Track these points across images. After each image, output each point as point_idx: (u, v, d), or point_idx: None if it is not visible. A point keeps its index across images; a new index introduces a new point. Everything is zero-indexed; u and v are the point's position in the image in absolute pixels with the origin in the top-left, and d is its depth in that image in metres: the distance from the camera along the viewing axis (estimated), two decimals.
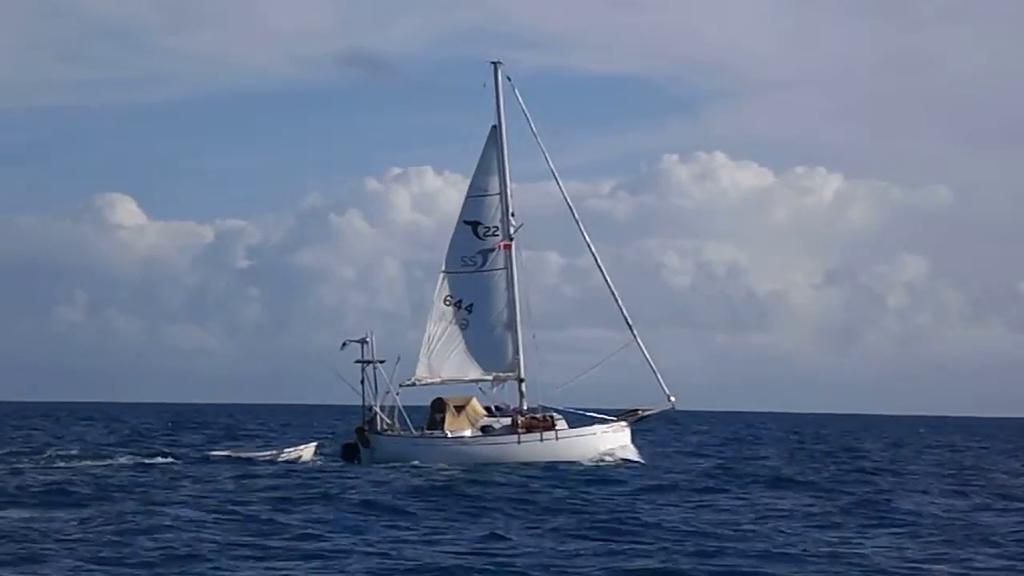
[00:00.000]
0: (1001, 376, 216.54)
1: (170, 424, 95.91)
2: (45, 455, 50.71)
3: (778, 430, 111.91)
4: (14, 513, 29.80)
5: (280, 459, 50.68)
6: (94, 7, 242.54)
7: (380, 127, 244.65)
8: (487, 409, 52.06)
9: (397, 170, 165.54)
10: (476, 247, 53.97)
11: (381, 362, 51.53)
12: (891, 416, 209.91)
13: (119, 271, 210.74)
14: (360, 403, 51.11)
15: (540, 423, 51.12)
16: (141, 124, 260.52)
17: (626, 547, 25.69)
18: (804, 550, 25.71)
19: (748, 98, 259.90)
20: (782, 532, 28.74)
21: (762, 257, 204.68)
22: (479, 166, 54.37)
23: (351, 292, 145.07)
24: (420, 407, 52.25)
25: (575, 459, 49.73)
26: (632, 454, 51.08)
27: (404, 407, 51.11)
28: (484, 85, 54.25)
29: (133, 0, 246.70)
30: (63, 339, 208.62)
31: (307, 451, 52.51)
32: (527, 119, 53.44)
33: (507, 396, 53.02)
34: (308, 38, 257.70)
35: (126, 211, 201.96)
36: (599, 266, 53.29)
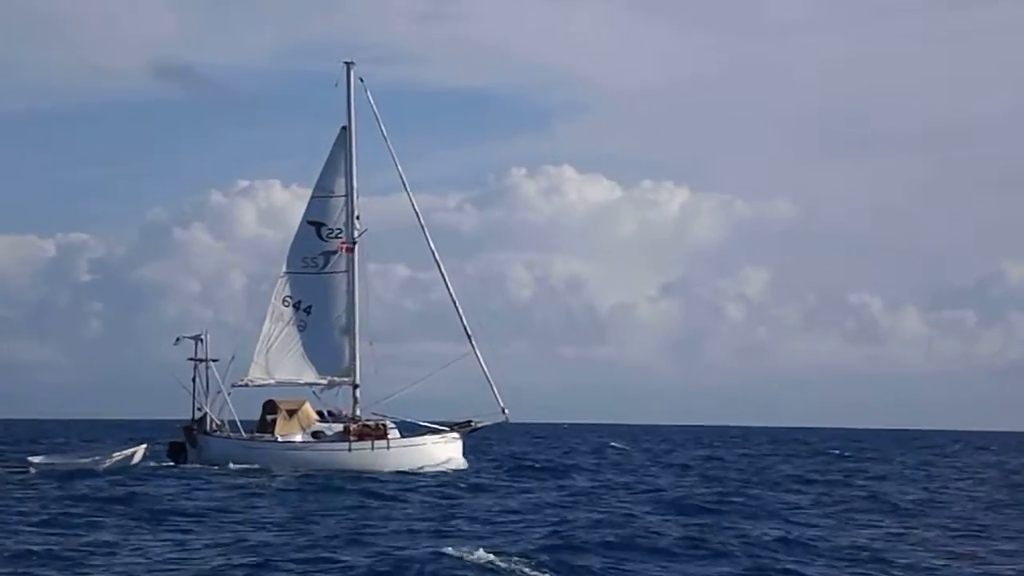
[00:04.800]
0: (836, 386, 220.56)
1: None
2: None
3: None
4: None
5: (108, 463, 49.49)
6: None
7: (227, 140, 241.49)
8: (320, 414, 51.43)
9: (244, 183, 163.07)
10: (318, 248, 53.29)
11: (214, 361, 50.78)
12: (731, 427, 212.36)
13: None
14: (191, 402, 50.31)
15: (372, 431, 50.61)
16: None
17: None
18: None
19: (597, 112, 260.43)
20: None
21: (606, 271, 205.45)
22: (326, 166, 53.65)
23: (195, 306, 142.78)
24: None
25: (405, 468, 49.29)
26: (460, 464, 50.80)
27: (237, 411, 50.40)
28: (336, 85, 53.57)
29: None
30: None
31: (138, 452, 51.29)
32: (378, 121, 52.86)
33: (341, 402, 52.52)
34: (154, 49, 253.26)
35: None
36: (443, 275, 52.83)
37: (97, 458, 50.45)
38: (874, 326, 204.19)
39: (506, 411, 51.64)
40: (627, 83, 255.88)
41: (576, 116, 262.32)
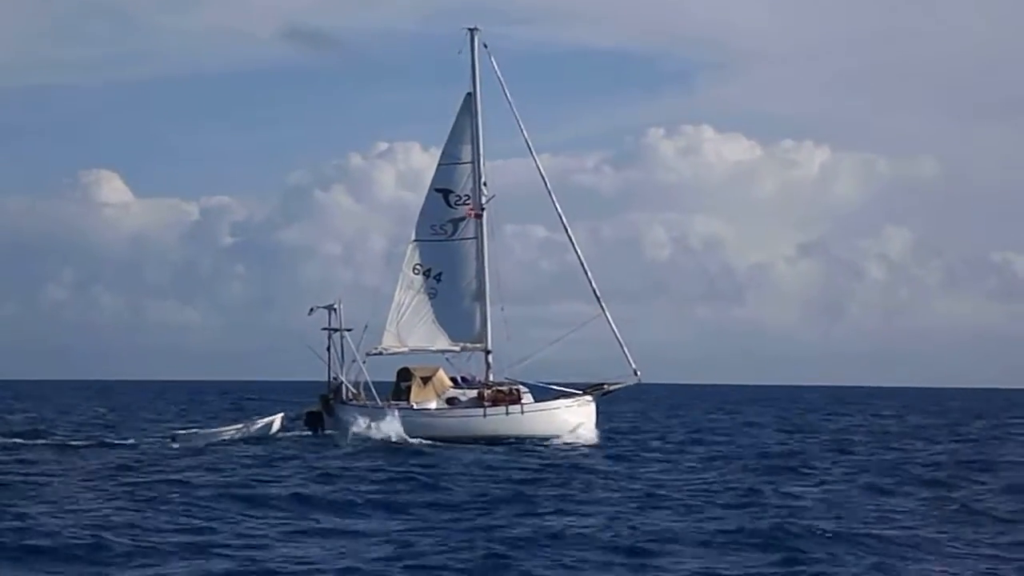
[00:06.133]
0: (978, 345, 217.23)
1: None
2: None
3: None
4: None
5: (250, 432, 50.20)
6: None
7: (365, 104, 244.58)
8: (453, 380, 51.69)
9: (383, 146, 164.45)
10: (447, 215, 53.48)
11: (348, 330, 51.11)
12: (873, 388, 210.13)
13: (105, 248, 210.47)
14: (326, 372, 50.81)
15: (506, 396, 50.75)
16: (127, 102, 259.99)
17: None
18: None
19: (737, 71, 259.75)
20: None
21: (744, 231, 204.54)
22: (451, 133, 53.84)
23: (336, 268, 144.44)
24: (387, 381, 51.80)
25: (540, 433, 49.41)
26: (587, 434, 50.44)
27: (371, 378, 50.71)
28: (459, 52, 53.72)
29: None
30: (50, 317, 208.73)
31: (276, 422, 51.91)
32: (502, 86, 52.87)
33: (474, 367, 52.75)
34: (296, 15, 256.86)
35: (112, 188, 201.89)
36: (569, 237, 52.88)
37: (238, 427, 51.22)
38: (1016, 284, 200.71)
39: (638, 372, 51.56)
40: (767, 43, 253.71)
41: (716, 75, 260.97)
